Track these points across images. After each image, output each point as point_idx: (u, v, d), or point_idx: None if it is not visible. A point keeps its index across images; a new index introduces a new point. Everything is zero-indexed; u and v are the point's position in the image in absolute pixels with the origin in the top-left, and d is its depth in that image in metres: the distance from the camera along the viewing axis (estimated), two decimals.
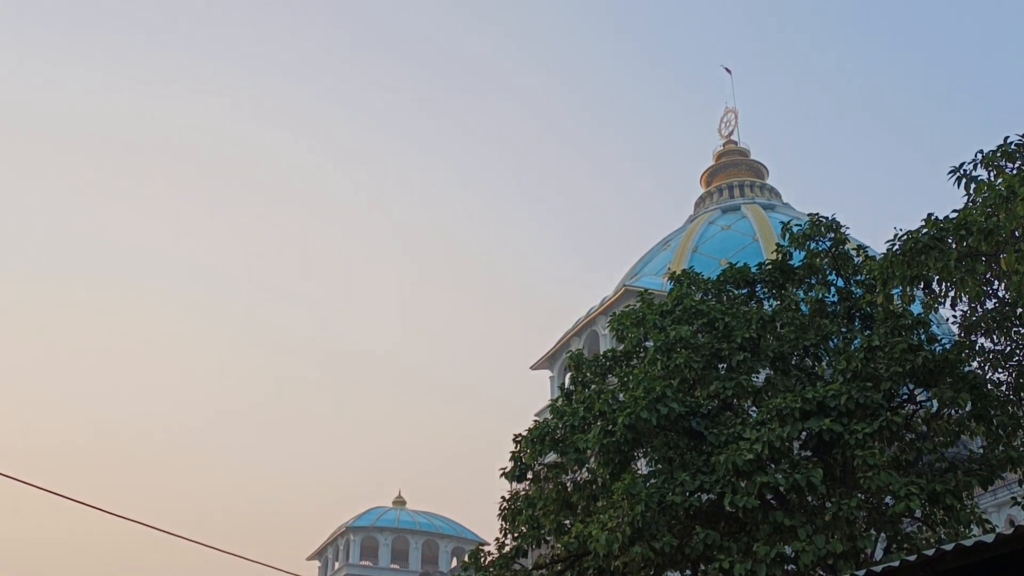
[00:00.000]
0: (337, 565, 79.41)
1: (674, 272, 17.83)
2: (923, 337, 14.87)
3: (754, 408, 15.10)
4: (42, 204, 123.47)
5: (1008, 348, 15.09)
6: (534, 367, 54.56)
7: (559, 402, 17.00)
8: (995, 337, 15.17)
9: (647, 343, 16.33)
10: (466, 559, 15.57)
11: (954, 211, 13.19)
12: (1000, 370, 15.09)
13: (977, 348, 14.94)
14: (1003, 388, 14.98)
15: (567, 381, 18.31)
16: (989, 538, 4.55)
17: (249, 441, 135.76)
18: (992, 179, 13.13)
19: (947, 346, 15.07)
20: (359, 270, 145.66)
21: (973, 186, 13.26)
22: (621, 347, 17.17)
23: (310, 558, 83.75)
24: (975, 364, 14.96)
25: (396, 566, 78.36)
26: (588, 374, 17.01)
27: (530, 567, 15.56)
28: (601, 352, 17.91)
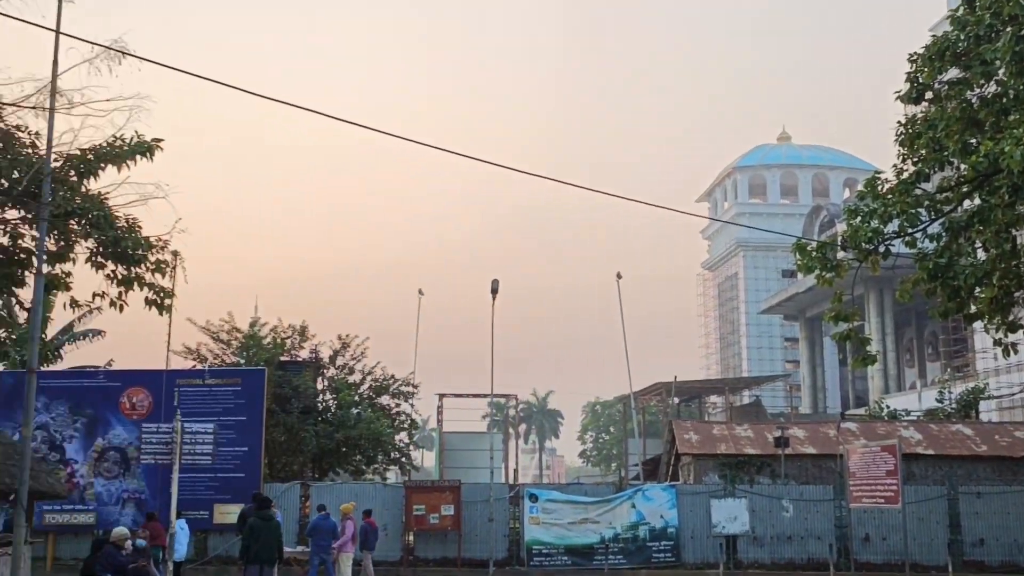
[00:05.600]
0: (726, 205, 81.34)
1: None
2: None
3: None
4: None
5: None
6: None
7: (960, 11, 15.31)
8: None
9: None
10: (861, 188, 15.08)
11: None
12: None
13: None
14: None
15: None
16: None
17: (637, 92, 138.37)
18: None
19: None
20: None
21: None
22: None
23: (699, 200, 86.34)
24: None
25: (786, 201, 78.76)
26: None
27: (933, 191, 14.86)
28: None
